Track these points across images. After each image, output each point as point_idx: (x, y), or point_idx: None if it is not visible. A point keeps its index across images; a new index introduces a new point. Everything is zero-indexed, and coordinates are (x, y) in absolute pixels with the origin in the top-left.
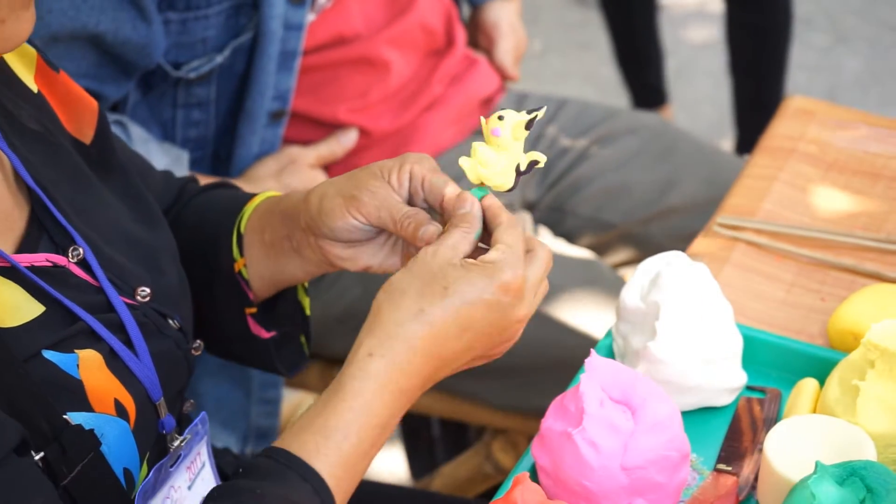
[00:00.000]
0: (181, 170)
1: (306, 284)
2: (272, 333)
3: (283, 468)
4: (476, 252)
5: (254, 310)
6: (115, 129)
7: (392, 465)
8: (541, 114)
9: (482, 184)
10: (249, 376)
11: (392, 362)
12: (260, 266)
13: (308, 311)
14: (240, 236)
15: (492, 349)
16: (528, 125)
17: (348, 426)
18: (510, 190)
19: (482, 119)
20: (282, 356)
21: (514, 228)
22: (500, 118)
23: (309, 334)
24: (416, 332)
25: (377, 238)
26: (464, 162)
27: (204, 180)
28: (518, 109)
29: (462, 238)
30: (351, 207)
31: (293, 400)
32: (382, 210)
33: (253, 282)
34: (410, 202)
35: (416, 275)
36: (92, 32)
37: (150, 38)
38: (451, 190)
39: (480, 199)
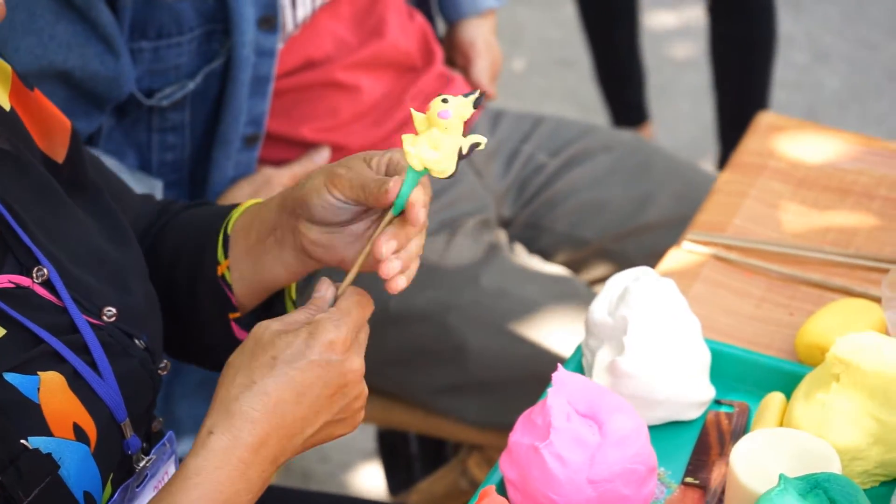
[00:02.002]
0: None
1: (294, 295)
2: None
3: None
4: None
5: (237, 314)
6: None
7: (370, 481)
8: (476, 95)
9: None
10: None
11: (233, 437)
12: (242, 266)
13: None
14: (226, 238)
15: (343, 412)
16: (475, 105)
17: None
18: (451, 176)
19: (415, 111)
20: None
21: (357, 297)
22: (445, 101)
23: None
24: (252, 405)
25: (353, 225)
26: (407, 145)
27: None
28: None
29: (300, 314)
30: (329, 183)
31: None
32: (355, 181)
33: (235, 284)
34: None
35: (247, 349)
36: (60, 69)
37: (118, 71)
38: (395, 180)
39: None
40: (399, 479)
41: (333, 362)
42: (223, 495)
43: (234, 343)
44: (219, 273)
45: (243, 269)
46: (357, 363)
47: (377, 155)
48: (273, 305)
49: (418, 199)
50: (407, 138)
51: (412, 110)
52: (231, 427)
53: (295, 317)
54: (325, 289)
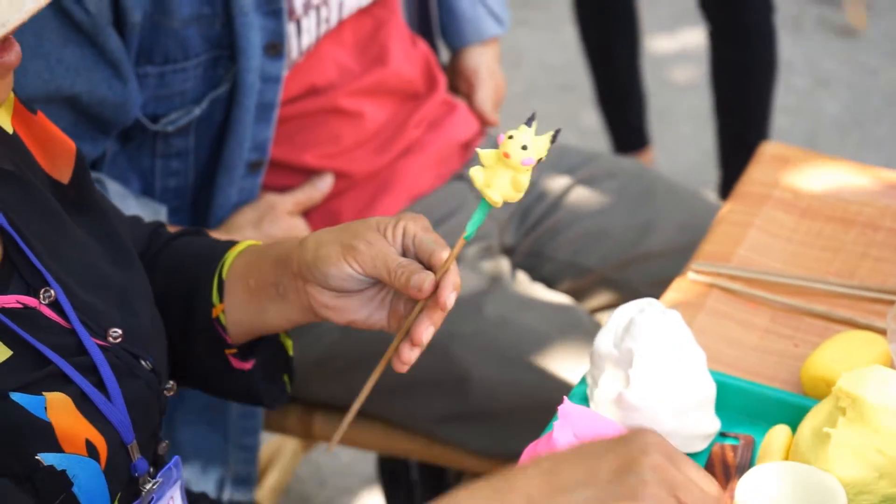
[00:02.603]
0: None
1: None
2: (251, 363)
3: None
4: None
5: (233, 350)
6: None
7: None
8: (553, 133)
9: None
10: (227, 422)
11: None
12: (240, 312)
13: (291, 352)
14: (221, 282)
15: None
16: (552, 142)
17: None
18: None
19: (482, 152)
20: (264, 388)
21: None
22: (524, 148)
23: (292, 374)
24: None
25: (367, 291)
26: (482, 185)
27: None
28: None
29: None
30: (348, 256)
31: (272, 444)
32: (378, 260)
33: (230, 327)
34: (402, 256)
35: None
36: (67, 94)
37: (125, 96)
38: (439, 255)
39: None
40: None
41: (620, 443)
42: None
43: (233, 371)
44: (213, 315)
45: (241, 316)
46: (657, 460)
47: (390, 224)
48: (266, 337)
49: (448, 284)
50: (478, 177)
51: (479, 151)
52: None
53: None
54: None
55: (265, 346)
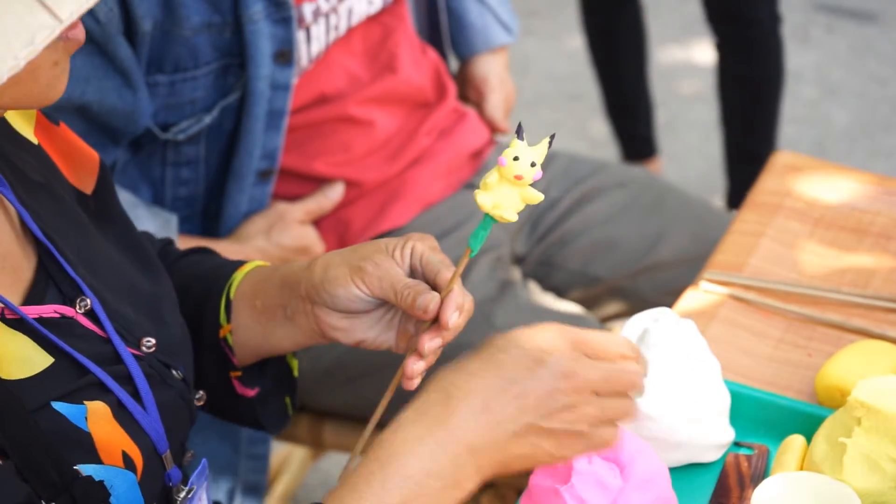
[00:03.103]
0: (170, 234)
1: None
2: (256, 390)
3: None
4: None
5: (238, 373)
6: None
7: None
8: (548, 139)
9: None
10: (237, 432)
11: (421, 413)
12: (247, 333)
13: (296, 373)
14: (228, 302)
15: (550, 417)
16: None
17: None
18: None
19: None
20: (266, 414)
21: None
22: (534, 164)
23: (294, 395)
24: (453, 381)
25: (375, 311)
26: (487, 205)
27: (190, 240)
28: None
29: None
30: (356, 277)
31: (282, 453)
32: (385, 281)
33: (237, 348)
34: (411, 276)
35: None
36: (78, 103)
37: (136, 105)
38: (444, 275)
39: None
40: None
41: (544, 361)
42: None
43: (235, 396)
44: (221, 335)
45: (247, 337)
46: (569, 366)
47: (398, 245)
48: (269, 360)
49: (451, 304)
50: (486, 202)
51: (485, 180)
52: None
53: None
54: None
55: (270, 371)
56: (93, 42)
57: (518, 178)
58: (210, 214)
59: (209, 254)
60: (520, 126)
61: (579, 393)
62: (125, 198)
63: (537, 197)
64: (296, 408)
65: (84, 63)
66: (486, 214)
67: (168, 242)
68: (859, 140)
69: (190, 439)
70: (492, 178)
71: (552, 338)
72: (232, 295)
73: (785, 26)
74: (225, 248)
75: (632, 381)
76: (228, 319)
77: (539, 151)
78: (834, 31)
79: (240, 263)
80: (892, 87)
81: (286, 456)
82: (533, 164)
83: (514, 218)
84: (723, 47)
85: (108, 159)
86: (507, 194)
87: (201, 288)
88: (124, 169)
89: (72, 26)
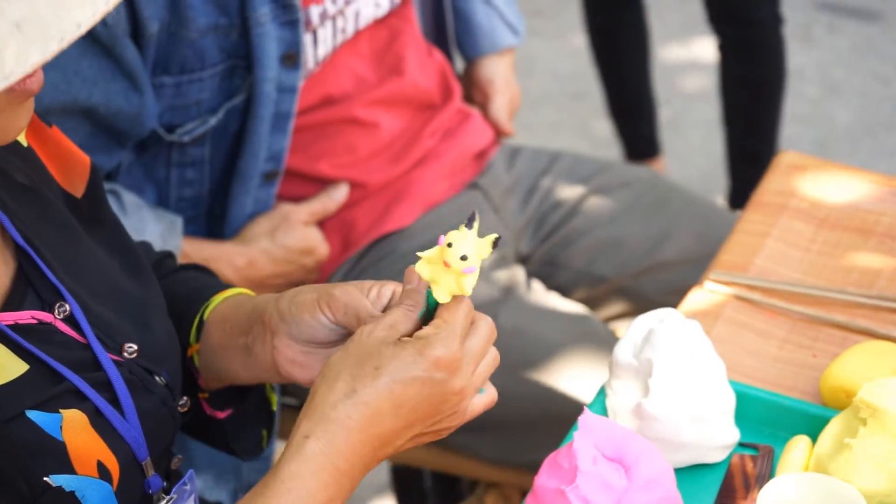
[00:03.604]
0: (175, 236)
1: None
2: (227, 413)
3: None
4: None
5: (205, 395)
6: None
7: None
8: (494, 238)
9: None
10: None
11: (328, 443)
12: (210, 356)
13: (274, 408)
14: (201, 322)
15: (435, 424)
16: (493, 247)
17: None
18: None
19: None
20: (238, 441)
21: (456, 306)
22: (465, 258)
23: (272, 429)
24: (349, 414)
25: (331, 350)
26: (435, 290)
27: (195, 242)
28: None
29: (403, 317)
30: (322, 302)
31: None
32: (350, 308)
33: (202, 370)
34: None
35: (351, 354)
36: (84, 105)
37: (142, 107)
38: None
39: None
40: None
41: (437, 380)
42: (315, 500)
43: (205, 417)
44: (188, 354)
45: (211, 360)
46: (460, 384)
47: (375, 286)
48: (251, 389)
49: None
50: (424, 272)
51: (420, 254)
52: (326, 432)
53: (395, 317)
54: (416, 279)
55: (250, 401)
56: (99, 44)
57: (446, 265)
58: (215, 216)
59: (203, 272)
60: (473, 214)
61: (464, 399)
62: (131, 200)
63: (464, 290)
64: (271, 440)
65: (91, 65)
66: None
67: (167, 255)
68: (862, 139)
69: (191, 442)
70: (432, 257)
71: (433, 357)
72: (206, 316)
73: (787, 25)
74: (230, 250)
75: (497, 361)
76: (198, 339)
77: (480, 245)
78: (836, 31)
79: (225, 287)
80: (895, 87)
81: None
82: (464, 258)
83: (444, 299)
84: (725, 47)
85: (113, 162)
86: (444, 275)
87: (182, 305)
88: (129, 170)
89: (22, 80)
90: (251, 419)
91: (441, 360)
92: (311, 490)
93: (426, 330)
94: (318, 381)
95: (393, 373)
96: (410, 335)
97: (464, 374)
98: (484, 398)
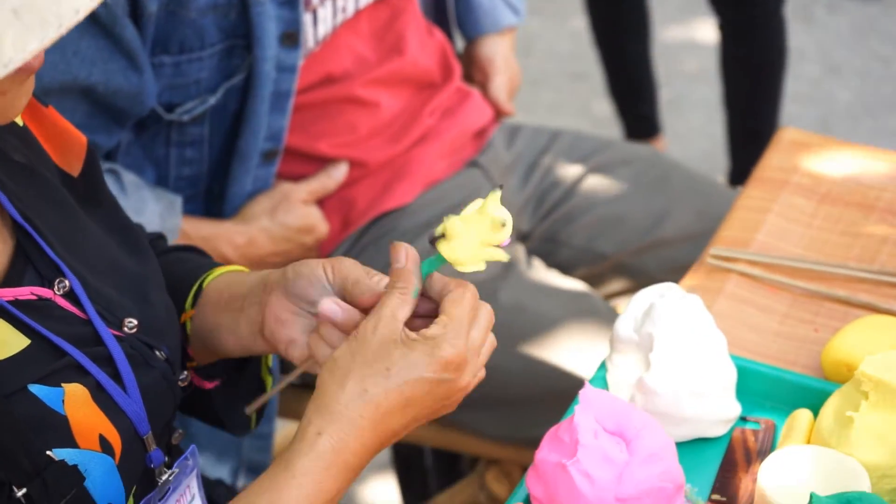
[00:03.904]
0: (174, 215)
1: (270, 363)
2: (214, 384)
3: None
4: (419, 306)
5: (194, 364)
6: (107, 179)
7: (384, 495)
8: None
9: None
10: None
11: (340, 441)
12: (201, 322)
13: (268, 389)
14: (199, 290)
15: (435, 413)
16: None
17: (297, 502)
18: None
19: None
20: (228, 414)
21: (462, 298)
22: (503, 224)
23: (263, 410)
24: (361, 413)
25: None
26: (448, 253)
27: (194, 222)
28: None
29: (400, 303)
30: (326, 263)
31: (286, 431)
32: (351, 272)
33: (192, 338)
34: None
35: (358, 353)
36: (83, 84)
37: (141, 86)
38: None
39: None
40: (414, 492)
41: (445, 380)
42: (324, 495)
43: (194, 389)
44: (181, 321)
45: (201, 325)
46: (467, 380)
47: (380, 277)
48: (248, 369)
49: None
50: (446, 249)
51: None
52: (339, 431)
53: (393, 307)
54: (403, 257)
55: (244, 382)
56: (99, 24)
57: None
58: (214, 195)
59: (197, 252)
60: (500, 186)
61: (467, 391)
62: (130, 179)
63: (497, 257)
64: (260, 420)
65: (90, 45)
66: (439, 255)
67: (158, 237)
68: (862, 119)
69: (192, 419)
70: (468, 212)
71: (443, 359)
72: (205, 284)
73: (787, 5)
74: (229, 229)
75: (494, 344)
76: (193, 305)
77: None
78: (836, 11)
79: (223, 264)
80: (895, 67)
81: (290, 434)
82: (503, 224)
83: (463, 269)
84: (725, 28)
85: (112, 141)
86: (469, 238)
87: (177, 278)
88: (128, 149)
89: (22, 68)
90: (244, 395)
91: (451, 361)
92: (320, 485)
93: (434, 329)
94: (326, 376)
95: (404, 374)
96: (410, 317)
97: (470, 369)
98: (476, 380)
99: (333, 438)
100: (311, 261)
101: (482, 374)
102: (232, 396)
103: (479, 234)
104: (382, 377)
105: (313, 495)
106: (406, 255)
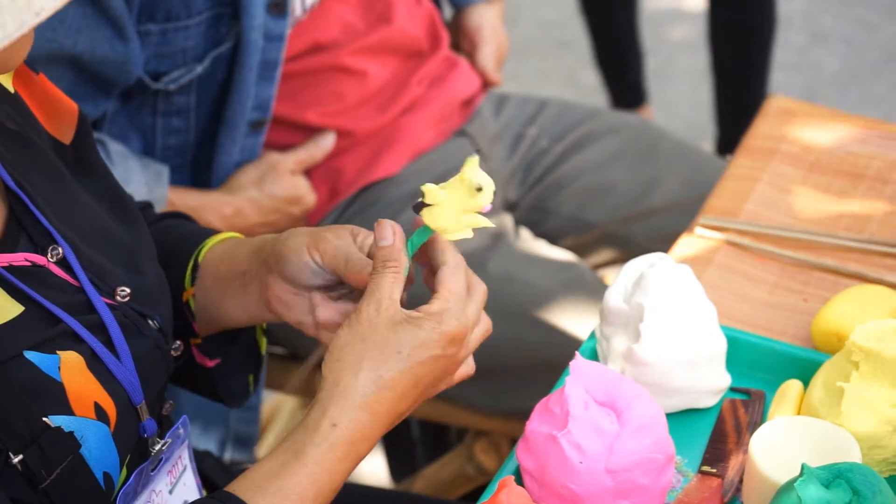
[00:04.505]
0: (161, 185)
1: (265, 325)
2: (216, 361)
3: None
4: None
5: (198, 340)
6: None
7: (371, 467)
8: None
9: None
10: None
11: (356, 432)
12: (205, 299)
13: (263, 351)
14: (196, 266)
15: (435, 390)
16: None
17: (305, 490)
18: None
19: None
20: (225, 387)
21: (457, 270)
22: (480, 189)
23: (259, 373)
24: (378, 400)
25: (317, 294)
26: (430, 220)
27: (181, 192)
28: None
29: (395, 284)
30: (311, 245)
31: (273, 403)
32: (340, 252)
33: (197, 314)
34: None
35: (369, 338)
36: (69, 53)
37: (127, 55)
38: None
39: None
40: (401, 465)
41: (450, 354)
42: (336, 484)
43: (193, 365)
44: (184, 299)
45: (206, 302)
46: (465, 352)
47: (365, 234)
48: (235, 334)
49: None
50: (430, 217)
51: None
52: (357, 422)
53: (388, 287)
54: (390, 234)
55: (238, 346)
56: None
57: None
58: (201, 164)
59: (185, 219)
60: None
61: (462, 364)
62: (116, 149)
63: (479, 223)
64: (258, 385)
65: (76, 13)
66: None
67: (146, 205)
68: (849, 86)
69: (179, 391)
70: (447, 184)
71: (450, 333)
72: (200, 259)
73: None
74: (216, 199)
75: (489, 331)
76: (193, 283)
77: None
78: None
79: (214, 232)
80: (882, 33)
81: (277, 406)
82: (479, 189)
83: (452, 237)
84: None
85: (98, 111)
86: (451, 207)
87: (172, 251)
88: (114, 118)
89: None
90: (239, 364)
91: (456, 334)
92: (332, 475)
93: (437, 305)
94: (336, 367)
95: (415, 355)
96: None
97: (468, 342)
98: (466, 367)
99: (349, 429)
100: (295, 243)
101: (472, 367)
102: (230, 370)
103: (460, 201)
104: (395, 360)
105: (322, 483)
106: (393, 231)
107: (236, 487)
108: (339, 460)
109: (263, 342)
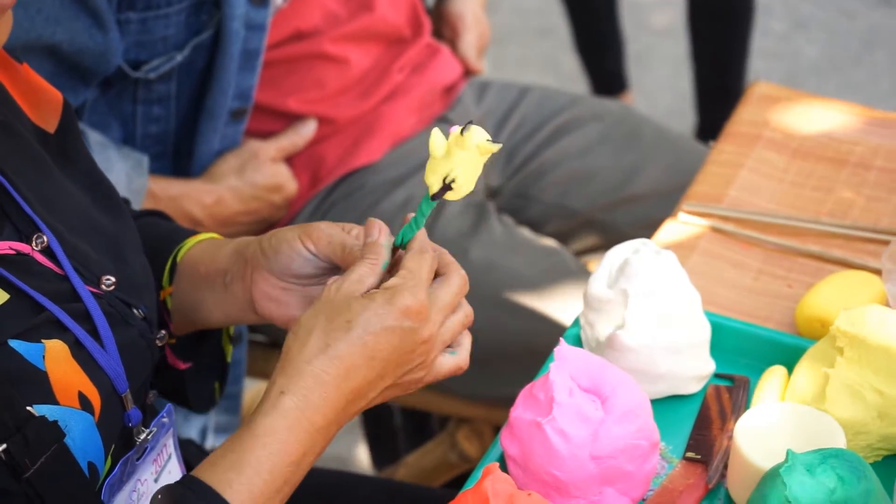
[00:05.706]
0: (141, 174)
1: (231, 332)
2: (188, 365)
3: (197, 499)
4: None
5: (172, 341)
6: None
7: (353, 455)
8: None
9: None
10: None
11: (303, 398)
12: (183, 298)
13: (228, 359)
14: (174, 265)
15: (405, 375)
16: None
17: (260, 463)
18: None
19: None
20: (196, 391)
21: (421, 254)
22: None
23: (224, 382)
24: (324, 368)
25: (311, 287)
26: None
27: (162, 181)
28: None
29: (368, 270)
30: (304, 235)
31: (254, 390)
32: (335, 239)
33: (173, 314)
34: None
35: (321, 311)
36: (47, 43)
37: (106, 45)
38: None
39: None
40: (384, 452)
41: (406, 329)
42: (290, 456)
43: (166, 367)
44: (161, 297)
45: (183, 301)
46: (427, 332)
47: (359, 229)
48: (206, 338)
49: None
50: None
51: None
52: (302, 388)
53: (361, 272)
54: (377, 232)
55: (204, 351)
56: None
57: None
58: (182, 153)
59: (164, 218)
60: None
61: (431, 350)
62: (95, 139)
63: (487, 148)
64: (223, 394)
65: (54, 3)
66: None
67: (123, 202)
68: (829, 74)
69: None
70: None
71: (402, 306)
72: (179, 258)
73: None
74: (197, 187)
75: (469, 319)
76: (171, 282)
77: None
78: None
79: (194, 231)
80: (862, 21)
81: (258, 393)
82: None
83: (465, 190)
84: None
85: (77, 100)
86: (452, 160)
87: (150, 248)
88: (94, 106)
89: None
90: (205, 371)
91: (410, 308)
92: (285, 445)
93: (393, 281)
94: (290, 338)
95: (364, 325)
96: (377, 287)
97: (432, 322)
98: (454, 359)
99: (297, 396)
100: (286, 234)
101: (464, 358)
102: (200, 375)
103: (473, 162)
104: (343, 330)
105: (276, 455)
106: (379, 230)
107: (198, 470)
108: (289, 429)
109: (229, 350)
